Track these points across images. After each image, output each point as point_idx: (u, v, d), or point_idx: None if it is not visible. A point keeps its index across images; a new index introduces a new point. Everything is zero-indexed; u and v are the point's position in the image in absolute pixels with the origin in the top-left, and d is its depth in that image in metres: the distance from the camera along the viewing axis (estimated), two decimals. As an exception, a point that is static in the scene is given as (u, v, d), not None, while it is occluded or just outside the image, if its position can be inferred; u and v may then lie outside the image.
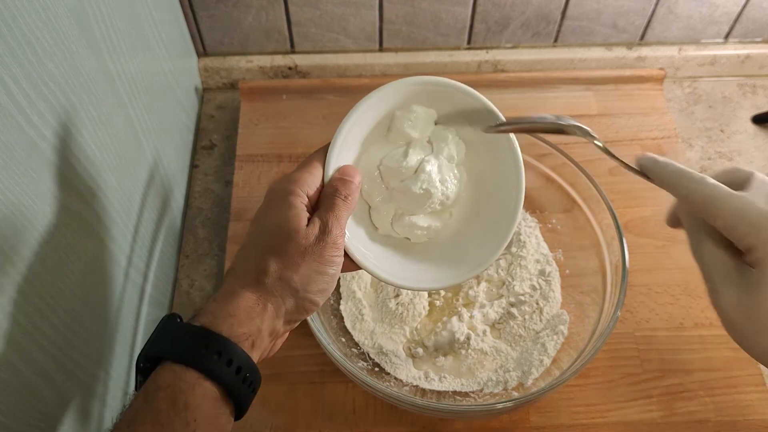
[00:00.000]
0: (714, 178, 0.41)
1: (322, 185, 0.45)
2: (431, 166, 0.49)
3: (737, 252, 0.39)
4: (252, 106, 0.83)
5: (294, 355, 0.64)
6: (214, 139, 0.83)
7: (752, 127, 0.84)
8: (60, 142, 0.45)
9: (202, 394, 0.36)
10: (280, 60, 0.85)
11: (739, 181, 0.40)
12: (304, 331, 0.65)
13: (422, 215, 0.51)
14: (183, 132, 0.79)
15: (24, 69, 0.39)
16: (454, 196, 0.51)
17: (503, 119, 0.47)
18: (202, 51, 0.85)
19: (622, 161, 0.44)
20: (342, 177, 0.45)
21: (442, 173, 0.50)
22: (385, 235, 0.52)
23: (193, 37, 0.82)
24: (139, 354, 0.38)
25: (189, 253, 0.74)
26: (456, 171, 0.51)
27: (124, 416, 0.36)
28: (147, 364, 0.37)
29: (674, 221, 0.44)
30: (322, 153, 0.46)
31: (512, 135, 0.48)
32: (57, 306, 0.45)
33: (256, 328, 0.40)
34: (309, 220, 0.42)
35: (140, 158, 0.61)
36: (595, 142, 0.44)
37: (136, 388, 0.38)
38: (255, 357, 0.39)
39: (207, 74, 0.86)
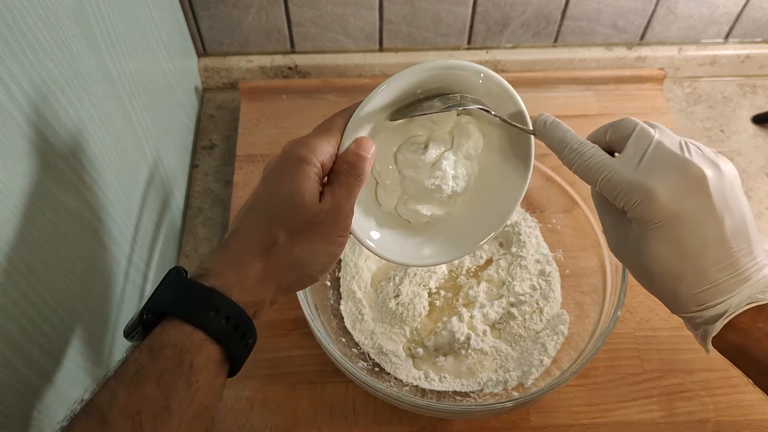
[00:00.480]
0: (606, 130, 0.44)
1: (337, 152, 0.44)
2: (448, 163, 0.49)
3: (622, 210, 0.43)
4: (252, 106, 0.83)
5: (294, 355, 0.64)
6: (214, 139, 0.83)
7: (752, 127, 0.84)
8: (60, 142, 0.45)
9: (207, 356, 0.37)
10: (280, 60, 0.85)
11: (624, 136, 0.42)
12: (304, 331, 0.66)
13: (428, 204, 0.51)
14: (183, 132, 0.79)
15: (24, 69, 0.39)
16: (463, 190, 0.51)
17: (526, 116, 0.48)
18: (202, 51, 0.85)
19: (517, 125, 0.47)
20: (358, 151, 0.44)
21: (456, 170, 0.50)
22: (386, 213, 0.52)
23: (193, 37, 0.82)
24: (145, 304, 0.37)
25: (189, 253, 0.74)
26: (470, 166, 0.51)
27: (126, 367, 0.35)
28: (151, 316, 0.37)
29: None
30: (342, 118, 0.45)
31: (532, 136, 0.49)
32: (57, 306, 0.45)
33: (261, 298, 0.41)
34: (321, 194, 0.42)
35: (140, 158, 0.61)
36: (492, 112, 0.47)
37: (132, 336, 0.38)
38: (255, 324, 0.40)
39: (207, 74, 0.86)
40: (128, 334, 0.38)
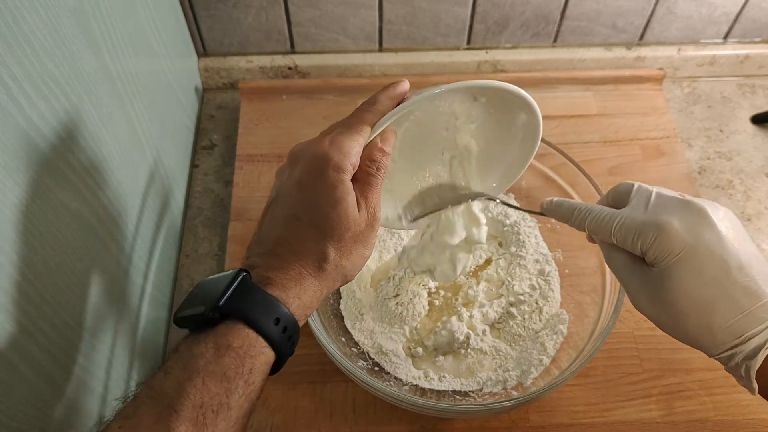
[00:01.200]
0: (607, 196, 0.49)
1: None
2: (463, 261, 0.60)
3: (639, 258, 0.44)
4: (252, 106, 0.83)
5: (294, 354, 0.64)
6: (214, 139, 0.83)
7: (751, 127, 0.84)
8: (60, 142, 0.45)
9: (264, 360, 0.40)
10: (280, 60, 0.85)
11: (625, 194, 0.46)
12: (304, 330, 0.65)
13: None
14: (183, 132, 0.79)
15: (24, 69, 0.39)
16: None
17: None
18: (202, 51, 0.85)
19: (525, 209, 0.58)
20: (383, 147, 0.46)
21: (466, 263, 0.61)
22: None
23: (193, 37, 0.82)
24: (215, 305, 0.39)
25: (189, 252, 0.74)
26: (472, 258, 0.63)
27: (194, 361, 0.37)
28: (216, 315, 0.39)
29: (591, 239, 0.51)
30: (371, 115, 0.46)
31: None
32: (57, 306, 0.45)
33: (311, 310, 0.44)
34: (357, 202, 0.44)
35: (140, 158, 0.62)
36: (498, 199, 0.56)
37: (186, 326, 0.40)
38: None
39: (207, 74, 0.86)
40: (183, 323, 0.40)
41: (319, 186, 0.43)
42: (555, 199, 0.50)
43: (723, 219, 0.42)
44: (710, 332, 0.41)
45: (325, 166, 0.43)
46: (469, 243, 0.63)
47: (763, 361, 0.39)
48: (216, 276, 0.42)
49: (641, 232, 0.42)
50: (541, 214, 0.51)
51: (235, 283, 0.40)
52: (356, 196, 0.44)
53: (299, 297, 0.42)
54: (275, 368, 0.41)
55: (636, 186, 0.46)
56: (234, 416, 0.37)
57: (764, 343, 0.39)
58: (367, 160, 0.45)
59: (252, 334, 0.39)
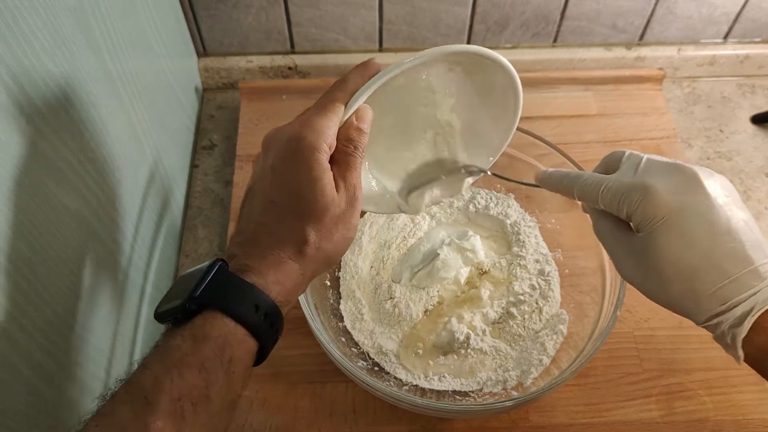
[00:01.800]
0: (599, 165, 0.48)
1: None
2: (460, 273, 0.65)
3: (625, 224, 0.44)
4: (252, 106, 0.83)
5: (294, 354, 0.64)
6: (214, 139, 0.83)
7: (751, 127, 0.84)
8: (60, 143, 0.45)
9: (245, 349, 0.39)
10: (280, 60, 0.85)
11: (616, 161, 0.46)
12: (304, 330, 0.65)
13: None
14: (183, 132, 0.79)
15: (24, 69, 0.39)
16: None
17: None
18: (202, 51, 0.85)
19: (519, 181, 0.54)
20: (359, 125, 0.45)
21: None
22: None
23: (193, 37, 0.82)
24: (190, 296, 0.38)
25: (189, 252, 0.74)
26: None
27: (170, 354, 0.36)
28: (193, 306, 0.38)
29: (585, 209, 0.50)
30: (343, 93, 0.45)
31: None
32: (57, 305, 0.45)
33: (295, 296, 0.43)
34: (335, 182, 0.43)
35: (140, 158, 0.62)
36: (488, 172, 0.54)
37: (167, 320, 0.39)
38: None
39: (207, 74, 0.86)
40: (163, 318, 0.39)
41: (293, 168, 0.42)
42: (548, 169, 0.50)
43: (715, 183, 0.41)
44: (694, 299, 0.40)
45: (299, 147, 0.42)
46: (468, 261, 0.65)
47: (750, 329, 0.38)
48: (194, 268, 0.41)
49: (627, 195, 0.42)
50: (537, 186, 0.50)
51: (212, 273, 0.39)
52: (334, 176, 0.43)
53: (280, 283, 0.41)
54: (260, 357, 0.41)
55: (627, 153, 0.45)
56: (215, 408, 0.36)
57: (750, 311, 0.38)
58: (344, 140, 0.44)
59: (230, 323, 0.38)
